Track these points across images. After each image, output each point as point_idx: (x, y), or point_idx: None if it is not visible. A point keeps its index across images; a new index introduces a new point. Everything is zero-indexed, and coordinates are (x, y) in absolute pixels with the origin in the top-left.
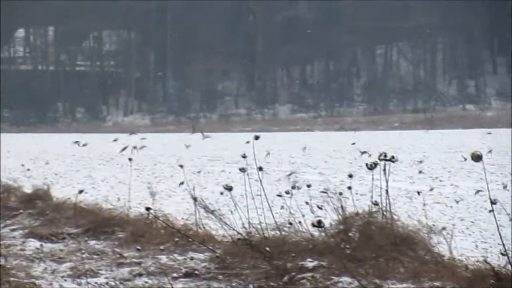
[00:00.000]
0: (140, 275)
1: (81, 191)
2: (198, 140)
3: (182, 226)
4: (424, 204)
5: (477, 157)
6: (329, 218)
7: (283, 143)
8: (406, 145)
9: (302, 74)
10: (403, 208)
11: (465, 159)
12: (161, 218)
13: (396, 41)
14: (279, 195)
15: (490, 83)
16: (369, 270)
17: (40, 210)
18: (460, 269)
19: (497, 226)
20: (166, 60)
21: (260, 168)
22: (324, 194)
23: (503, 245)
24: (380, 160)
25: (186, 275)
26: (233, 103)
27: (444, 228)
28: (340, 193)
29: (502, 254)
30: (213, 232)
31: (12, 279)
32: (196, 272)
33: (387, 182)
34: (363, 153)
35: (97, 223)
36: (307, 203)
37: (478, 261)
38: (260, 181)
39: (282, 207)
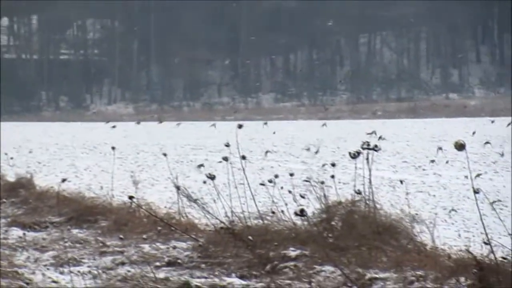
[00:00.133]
0: (123, 263)
1: (64, 180)
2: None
3: (165, 215)
4: (407, 193)
5: (460, 146)
6: (312, 207)
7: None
8: (390, 134)
9: (286, 63)
10: (386, 197)
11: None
12: (144, 207)
13: (379, 30)
14: (262, 184)
15: (473, 72)
16: (352, 259)
17: (23, 199)
18: (442, 258)
19: (480, 215)
20: (149, 49)
21: (243, 157)
22: (307, 183)
23: (486, 234)
24: (363, 149)
25: (169, 264)
26: (216, 91)
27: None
28: (322, 182)
29: (485, 243)
30: (196, 221)
31: None
32: (179, 261)
33: (370, 171)
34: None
35: (80, 211)
36: (290, 192)
37: (460, 250)
38: (243, 169)
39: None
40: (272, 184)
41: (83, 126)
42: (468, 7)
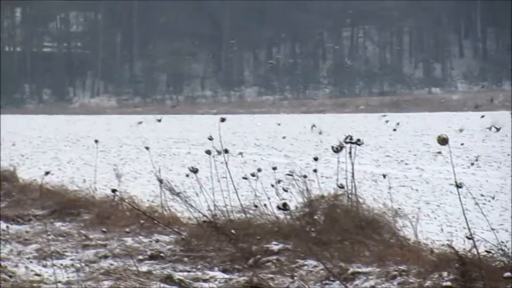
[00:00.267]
0: (106, 257)
1: (47, 173)
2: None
3: (148, 208)
4: (390, 188)
5: (443, 140)
6: (295, 201)
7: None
8: (372, 128)
9: (269, 57)
10: (368, 191)
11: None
12: (126, 200)
13: (362, 23)
14: (245, 178)
15: (456, 66)
16: (334, 253)
17: (6, 192)
18: (425, 253)
19: (463, 210)
20: (132, 42)
21: (226, 151)
22: (290, 177)
23: (469, 229)
24: (346, 143)
25: (152, 257)
26: (199, 85)
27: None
28: (305, 176)
29: (468, 238)
30: (179, 215)
31: None
32: (162, 254)
33: (352, 165)
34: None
35: (63, 204)
36: (272, 185)
37: (443, 245)
38: (226, 163)
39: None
40: (254, 178)
41: (66, 119)
42: (451, 1)
